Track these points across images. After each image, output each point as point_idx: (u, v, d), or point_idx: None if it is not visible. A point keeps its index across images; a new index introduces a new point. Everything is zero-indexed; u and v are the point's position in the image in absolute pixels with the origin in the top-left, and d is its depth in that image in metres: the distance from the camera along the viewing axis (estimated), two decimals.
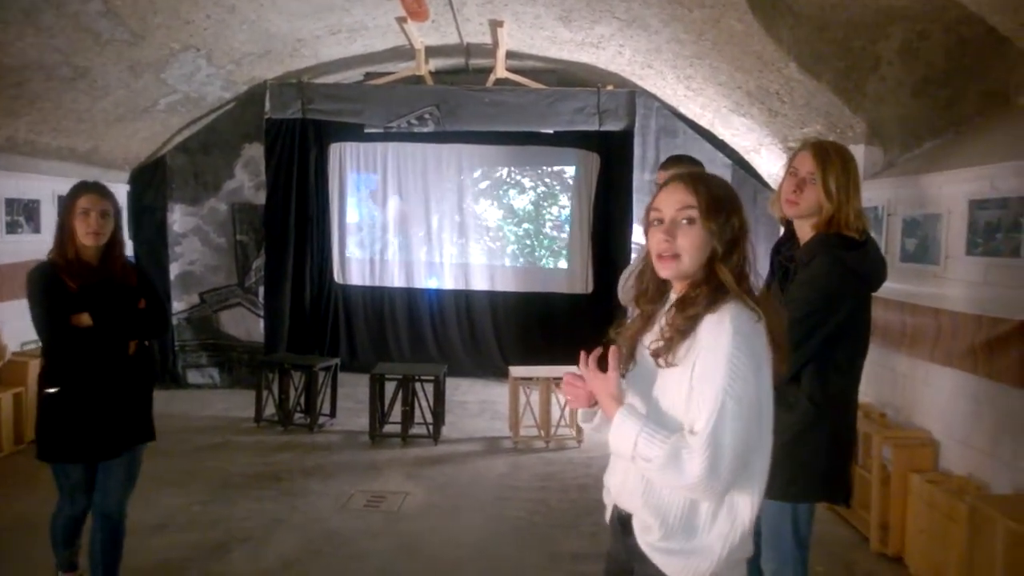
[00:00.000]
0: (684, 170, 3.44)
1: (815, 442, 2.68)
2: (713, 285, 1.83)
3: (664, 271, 1.88)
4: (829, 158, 2.68)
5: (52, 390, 3.29)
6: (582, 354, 1.98)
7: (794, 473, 2.61)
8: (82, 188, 3.36)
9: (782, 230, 3.02)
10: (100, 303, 3.30)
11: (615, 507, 2.03)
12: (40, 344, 3.42)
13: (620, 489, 1.97)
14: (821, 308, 2.60)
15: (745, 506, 1.81)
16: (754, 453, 1.78)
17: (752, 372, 1.73)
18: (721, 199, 1.86)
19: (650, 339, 1.91)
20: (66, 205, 3.33)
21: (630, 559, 1.96)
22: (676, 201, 1.85)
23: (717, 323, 1.76)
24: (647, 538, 1.87)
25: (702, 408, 1.72)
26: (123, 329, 3.40)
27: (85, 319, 3.26)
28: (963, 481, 4.13)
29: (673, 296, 1.94)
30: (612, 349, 1.93)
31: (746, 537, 1.82)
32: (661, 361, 1.84)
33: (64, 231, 3.33)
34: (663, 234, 1.85)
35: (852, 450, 2.90)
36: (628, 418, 1.81)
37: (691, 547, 1.81)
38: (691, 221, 1.83)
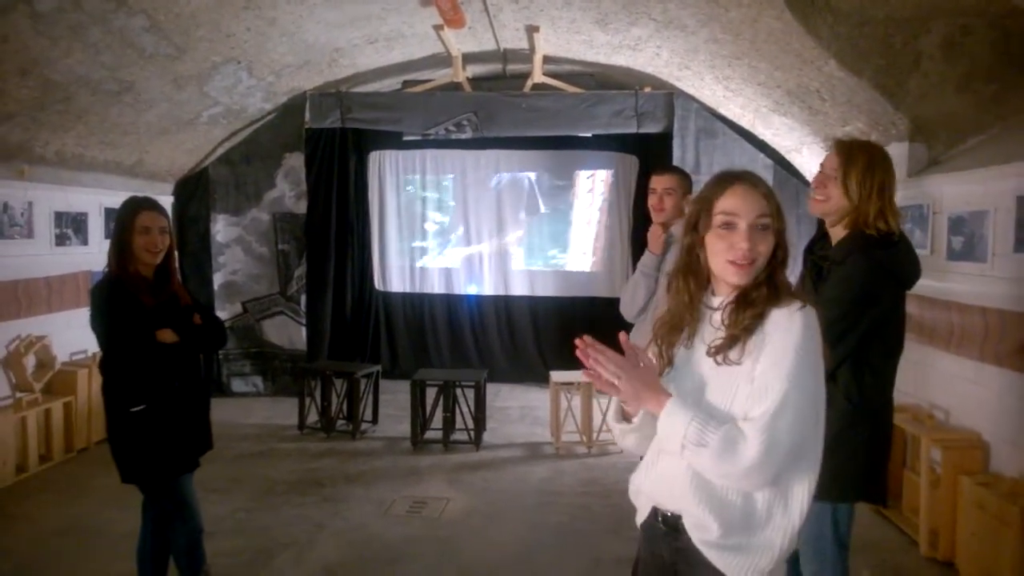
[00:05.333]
0: (678, 176, 3.52)
1: (854, 441, 2.66)
2: (773, 285, 1.84)
3: (742, 277, 1.85)
4: (853, 156, 2.71)
5: (138, 408, 3.22)
6: (622, 336, 1.90)
7: (834, 473, 2.56)
8: (139, 205, 3.30)
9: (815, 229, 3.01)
10: (176, 319, 3.31)
11: (655, 509, 2.00)
12: (106, 362, 3.32)
13: (664, 490, 1.94)
14: (856, 307, 2.60)
15: (798, 499, 1.80)
16: (808, 447, 1.79)
17: (816, 366, 1.77)
18: (779, 202, 1.89)
19: (709, 337, 1.88)
20: (124, 223, 3.26)
21: (676, 560, 1.93)
22: (754, 207, 1.84)
23: (788, 316, 1.78)
24: (704, 536, 1.83)
25: (766, 395, 1.72)
26: (202, 343, 3.46)
27: (170, 335, 3.26)
28: (1015, 483, 4.03)
29: (716, 298, 1.92)
30: (636, 346, 1.88)
31: (798, 531, 1.82)
32: (720, 358, 1.83)
33: (124, 249, 3.25)
34: (746, 242, 1.83)
35: (889, 448, 2.88)
36: (680, 408, 1.78)
37: (752, 543, 1.80)
38: (767, 227, 1.85)
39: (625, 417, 1.94)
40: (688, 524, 1.87)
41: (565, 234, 9.57)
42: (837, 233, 2.77)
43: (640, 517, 2.07)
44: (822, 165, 2.79)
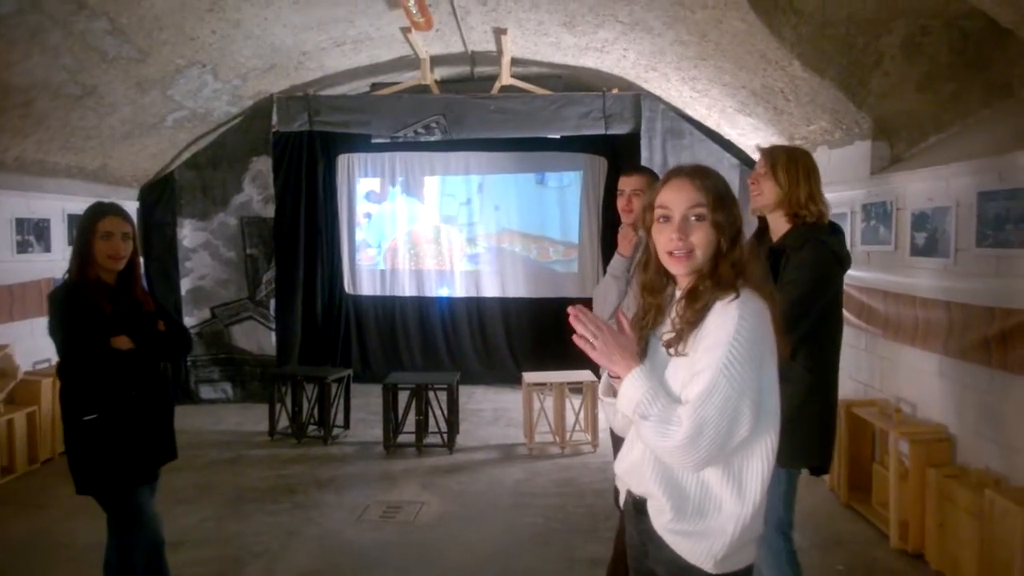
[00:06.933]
0: (646, 176, 3.62)
1: (813, 410, 2.92)
2: (718, 278, 1.86)
3: (678, 268, 1.91)
4: (775, 153, 3.06)
5: (90, 417, 3.15)
6: (620, 314, 1.99)
7: (796, 441, 2.69)
8: (102, 210, 3.24)
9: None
10: (135, 325, 3.24)
11: (629, 492, 2.05)
12: (63, 369, 3.24)
13: (634, 474, 1.98)
14: (814, 288, 2.86)
15: (752, 487, 1.83)
16: (758, 436, 1.82)
17: (753, 357, 1.77)
18: (724, 195, 1.90)
19: (662, 331, 1.94)
20: (86, 227, 3.20)
21: (644, 542, 1.98)
22: (685, 199, 1.88)
23: (724, 307, 1.81)
24: (661, 520, 1.89)
25: (698, 383, 1.76)
26: (161, 350, 3.39)
27: (126, 342, 3.18)
28: (980, 474, 4.09)
29: (678, 291, 1.96)
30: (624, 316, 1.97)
31: (757, 517, 1.85)
32: (672, 351, 1.87)
33: (85, 254, 3.19)
34: (676, 233, 1.88)
35: (836, 417, 3.16)
36: (643, 377, 1.83)
37: (703, 529, 1.84)
38: (701, 218, 1.87)
39: (615, 393, 1.98)
40: (651, 508, 1.93)
41: (536, 235, 9.58)
42: (779, 226, 3.03)
43: (621, 499, 2.13)
44: (755, 169, 3.11)
